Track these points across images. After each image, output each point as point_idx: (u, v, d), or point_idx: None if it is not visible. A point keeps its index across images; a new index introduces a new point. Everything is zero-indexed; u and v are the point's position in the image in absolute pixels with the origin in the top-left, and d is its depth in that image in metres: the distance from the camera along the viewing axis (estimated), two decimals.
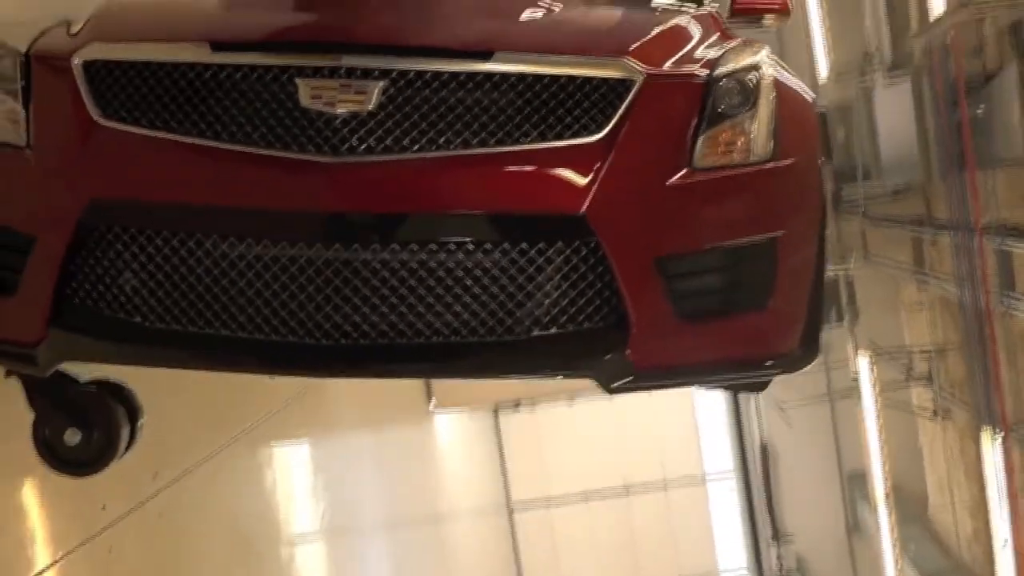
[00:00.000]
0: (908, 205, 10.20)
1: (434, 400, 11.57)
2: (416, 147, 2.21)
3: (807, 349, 2.60)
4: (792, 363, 2.54)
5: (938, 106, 7.97)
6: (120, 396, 3.22)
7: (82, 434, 3.08)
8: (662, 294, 2.31)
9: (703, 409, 18.31)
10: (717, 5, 3.20)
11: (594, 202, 2.24)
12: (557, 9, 2.63)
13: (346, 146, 2.20)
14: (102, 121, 2.29)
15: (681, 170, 2.34)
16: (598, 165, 2.26)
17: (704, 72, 2.43)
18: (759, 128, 2.43)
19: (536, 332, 2.28)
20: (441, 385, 11.03)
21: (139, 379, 3.13)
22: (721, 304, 2.40)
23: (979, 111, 7.14)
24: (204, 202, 2.23)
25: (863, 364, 11.94)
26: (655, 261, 2.30)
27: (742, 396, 17.87)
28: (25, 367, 2.45)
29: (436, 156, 2.22)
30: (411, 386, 10.81)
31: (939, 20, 7.79)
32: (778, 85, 2.52)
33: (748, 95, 2.42)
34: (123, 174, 2.28)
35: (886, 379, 11.76)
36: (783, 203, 2.48)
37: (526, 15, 2.54)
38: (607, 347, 2.29)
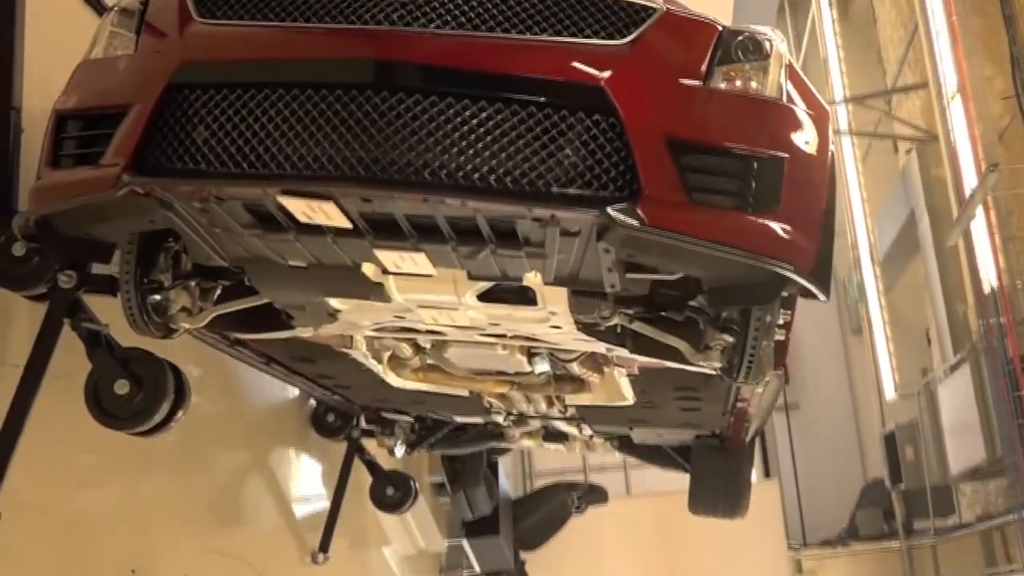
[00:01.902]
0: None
1: None
2: (461, 28, 2.58)
3: (819, 278, 2.75)
4: (804, 275, 2.68)
5: (998, 385, 8.09)
6: (177, 377, 3.41)
7: (130, 388, 3.26)
8: (672, 169, 2.53)
9: None
10: None
11: (613, 79, 2.54)
12: None
13: (403, 21, 2.57)
14: (199, 19, 2.73)
15: (694, 83, 2.66)
16: (619, 59, 2.58)
17: (722, 26, 2.79)
18: (770, 79, 2.75)
19: (555, 189, 2.50)
20: None
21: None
22: (734, 198, 2.59)
23: None
24: (273, 56, 2.60)
25: None
26: (666, 139, 2.54)
27: None
28: (102, 192, 2.71)
29: (477, 35, 2.58)
30: None
31: (974, 194, 8.11)
32: (791, 69, 2.87)
33: (761, 50, 2.76)
34: (211, 46, 2.69)
35: None
36: (787, 133, 2.74)
37: None
38: (619, 200, 2.49)
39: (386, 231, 2.71)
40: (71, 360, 3.44)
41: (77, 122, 2.89)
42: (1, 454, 3.25)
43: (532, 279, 2.93)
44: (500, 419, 5.57)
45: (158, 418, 3.33)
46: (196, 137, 2.62)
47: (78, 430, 3.58)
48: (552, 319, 3.23)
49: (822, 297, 2.83)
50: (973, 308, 8.92)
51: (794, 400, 15.40)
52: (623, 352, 3.53)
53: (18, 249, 3.36)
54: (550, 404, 5.16)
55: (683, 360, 3.46)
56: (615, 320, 3.29)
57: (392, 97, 2.50)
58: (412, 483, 6.56)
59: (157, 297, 3.24)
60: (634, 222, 2.47)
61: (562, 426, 5.75)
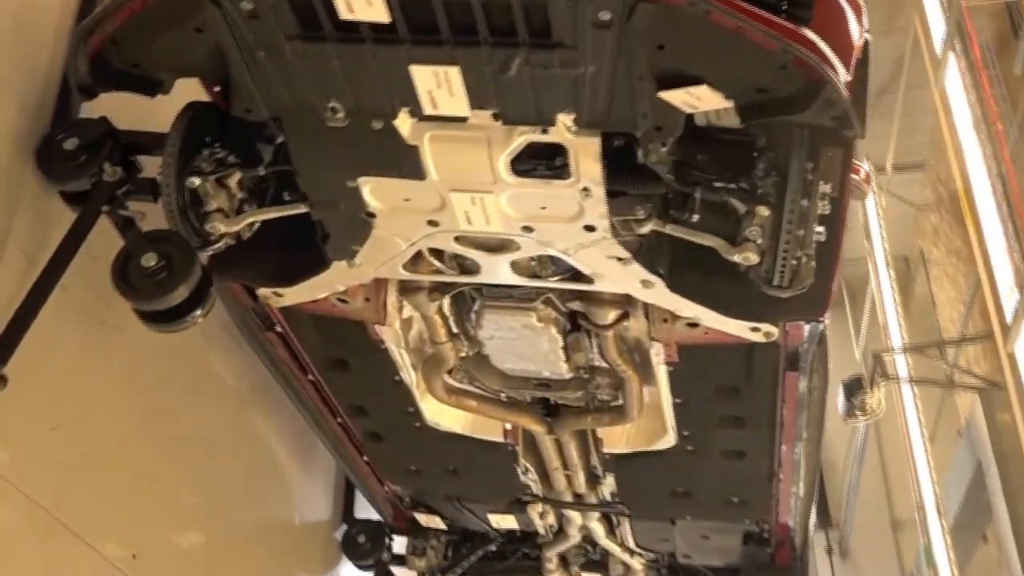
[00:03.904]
0: None
1: None
2: None
3: (857, 109, 2.75)
4: (845, 91, 2.68)
5: None
6: (206, 276, 3.40)
7: (156, 264, 3.25)
8: None
9: None
10: None
11: None
12: None
13: None
14: None
15: None
16: None
17: None
18: None
19: None
20: None
21: None
22: (766, 3, 2.66)
23: None
24: None
25: None
26: None
27: None
28: None
29: None
30: None
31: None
32: None
33: None
34: None
35: None
36: None
37: None
38: None
39: (423, 32, 2.77)
40: None
41: None
42: (18, 325, 3.24)
43: (564, 127, 2.93)
44: (536, 517, 5.37)
45: (176, 299, 3.29)
46: None
47: None
48: (586, 211, 3.17)
49: (858, 129, 2.79)
50: None
51: None
52: (658, 290, 3.45)
53: (69, 144, 3.49)
54: (590, 480, 4.98)
55: (722, 299, 3.41)
56: (650, 225, 3.25)
57: None
58: None
59: (196, 181, 3.29)
60: None
61: (600, 534, 5.47)
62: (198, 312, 3.36)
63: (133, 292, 3.28)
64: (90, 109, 3.62)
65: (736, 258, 3.13)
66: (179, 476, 4.48)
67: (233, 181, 3.41)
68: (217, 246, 3.48)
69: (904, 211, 16.53)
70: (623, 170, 3.13)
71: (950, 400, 13.13)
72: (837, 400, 12.37)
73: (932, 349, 11.93)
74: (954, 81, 7.74)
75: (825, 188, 3.12)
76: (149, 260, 3.24)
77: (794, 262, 3.14)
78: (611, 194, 3.16)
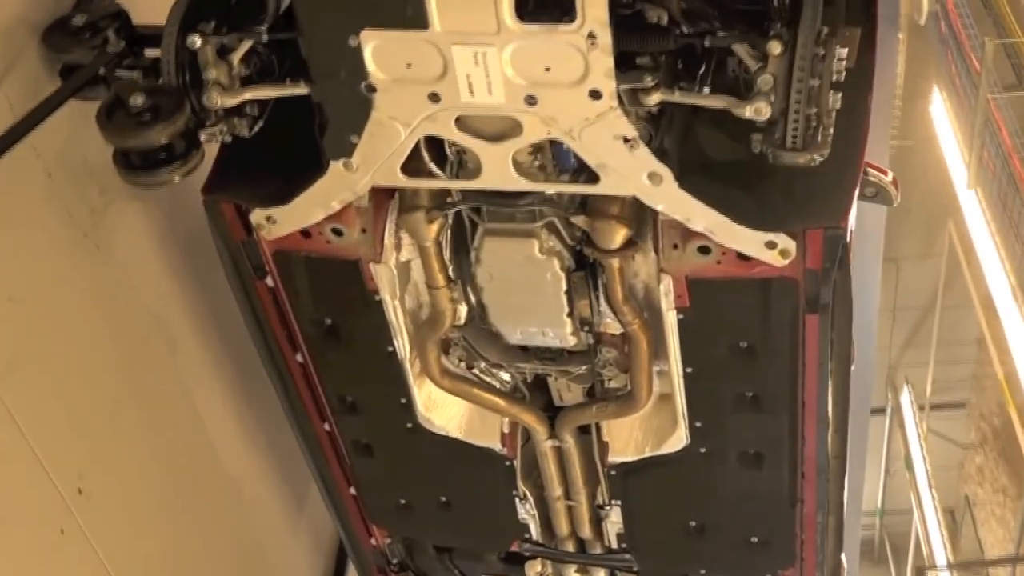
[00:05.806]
0: None
1: None
2: None
3: None
4: None
5: None
6: (195, 135, 3.30)
7: (143, 104, 3.15)
8: None
9: None
10: None
11: None
12: None
13: None
14: None
15: None
16: None
17: None
18: None
19: None
20: None
21: None
22: None
23: None
24: None
25: None
26: None
27: None
28: None
29: None
30: None
31: None
32: None
33: None
34: None
35: None
36: None
37: None
38: None
39: None
40: None
41: None
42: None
43: None
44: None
45: (154, 140, 3.14)
46: None
47: None
48: (592, 68, 3.03)
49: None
50: None
51: None
52: (667, 188, 3.24)
53: (77, 20, 3.51)
54: (594, 520, 4.59)
55: (734, 202, 3.27)
56: (658, 94, 3.11)
57: None
58: None
59: (198, 41, 3.24)
60: None
61: None
62: (176, 165, 3.20)
63: (112, 128, 3.15)
64: None
65: (747, 112, 2.98)
66: (140, 441, 4.15)
67: (235, 57, 3.35)
68: (212, 130, 3.39)
69: (947, 457, 16.12)
70: (631, 32, 3.04)
71: None
72: None
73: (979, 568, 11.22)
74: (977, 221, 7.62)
75: (841, 52, 3.01)
76: (136, 100, 3.12)
77: (808, 125, 2.98)
78: (619, 63, 3.06)
